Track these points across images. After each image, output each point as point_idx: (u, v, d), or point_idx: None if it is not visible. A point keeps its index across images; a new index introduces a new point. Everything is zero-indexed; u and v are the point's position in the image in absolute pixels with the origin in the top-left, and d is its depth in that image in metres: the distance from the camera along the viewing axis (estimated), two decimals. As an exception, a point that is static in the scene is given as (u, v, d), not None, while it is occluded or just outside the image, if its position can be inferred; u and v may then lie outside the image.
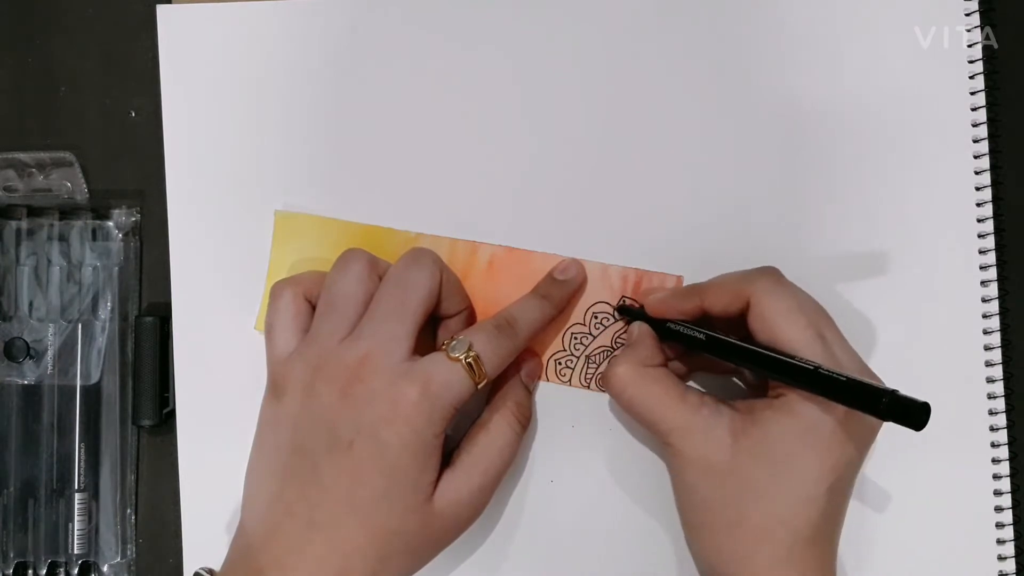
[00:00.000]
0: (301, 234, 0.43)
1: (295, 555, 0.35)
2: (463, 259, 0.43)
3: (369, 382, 0.35)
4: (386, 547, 0.35)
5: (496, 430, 0.38)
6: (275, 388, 0.38)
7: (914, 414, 0.31)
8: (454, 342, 0.37)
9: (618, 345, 0.42)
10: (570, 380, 0.43)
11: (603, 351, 0.43)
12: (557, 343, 0.43)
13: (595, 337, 0.43)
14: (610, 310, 0.42)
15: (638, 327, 0.41)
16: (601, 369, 0.43)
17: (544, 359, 0.43)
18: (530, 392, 0.42)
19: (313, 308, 0.39)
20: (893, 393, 0.32)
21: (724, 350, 0.37)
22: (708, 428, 0.36)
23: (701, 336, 0.38)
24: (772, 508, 0.35)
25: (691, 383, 0.42)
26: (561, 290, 0.41)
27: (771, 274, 0.38)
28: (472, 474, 0.37)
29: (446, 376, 0.36)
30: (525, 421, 0.40)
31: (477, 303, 0.42)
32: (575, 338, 0.43)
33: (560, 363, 0.43)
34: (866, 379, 0.33)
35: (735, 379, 0.43)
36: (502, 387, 0.40)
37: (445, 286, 0.39)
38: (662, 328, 0.40)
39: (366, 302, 0.37)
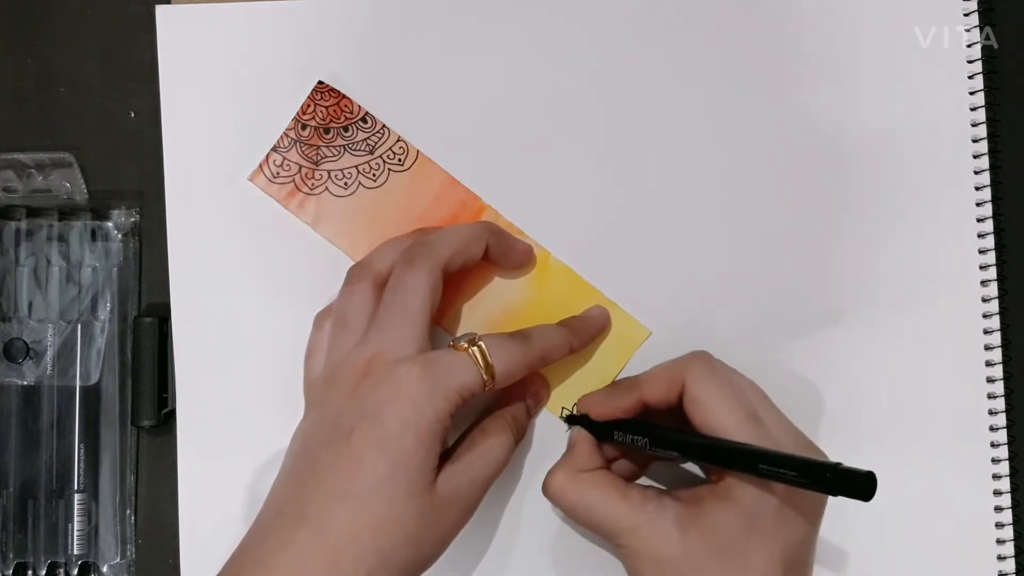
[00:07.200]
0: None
1: (278, 553, 0.33)
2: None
3: (375, 375, 0.35)
4: (386, 538, 0.34)
5: (493, 434, 0.38)
6: (304, 409, 0.39)
7: (860, 485, 0.30)
8: (461, 335, 0.37)
9: None
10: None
11: None
12: None
13: None
14: None
15: (575, 432, 0.41)
16: None
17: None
18: (530, 414, 0.42)
19: None
20: (836, 467, 0.31)
21: (665, 445, 0.37)
22: (654, 524, 0.36)
23: (642, 442, 0.38)
24: None
25: (645, 478, 0.42)
26: (581, 323, 0.42)
27: (702, 358, 0.38)
28: (470, 467, 0.37)
29: (450, 361, 0.36)
30: (519, 435, 0.40)
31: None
32: None
33: None
34: (807, 456, 0.33)
35: (688, 466, 0.42)
36: (505, 402, 0.41)
37: (494, 248, 0.40)
38: (605, 432, 0.40)
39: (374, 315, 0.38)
